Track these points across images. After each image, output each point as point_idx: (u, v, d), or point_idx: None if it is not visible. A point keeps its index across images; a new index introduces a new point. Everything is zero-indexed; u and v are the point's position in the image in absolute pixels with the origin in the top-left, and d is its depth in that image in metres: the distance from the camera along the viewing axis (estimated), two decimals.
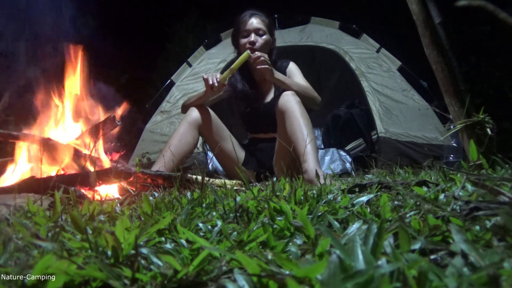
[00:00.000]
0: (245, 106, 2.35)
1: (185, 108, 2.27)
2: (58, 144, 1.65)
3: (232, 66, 2.04)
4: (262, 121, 2.33)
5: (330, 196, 0.85)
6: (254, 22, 2.24)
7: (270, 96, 2.32)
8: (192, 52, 3.73)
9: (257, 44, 2.21)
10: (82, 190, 1.30)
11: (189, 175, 1.57)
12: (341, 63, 3.48)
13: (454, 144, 2.81)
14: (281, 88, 2.23)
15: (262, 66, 2.01)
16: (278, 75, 2.08)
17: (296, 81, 2.19)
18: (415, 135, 2.99)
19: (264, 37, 2.23)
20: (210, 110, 2.22)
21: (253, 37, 2.21)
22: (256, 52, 2.05)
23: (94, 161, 1.59)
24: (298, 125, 1.88)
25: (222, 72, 2.14)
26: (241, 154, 2.31)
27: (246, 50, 2.21)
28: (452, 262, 0.36)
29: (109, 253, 0.46)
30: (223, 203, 0.78)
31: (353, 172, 2.63)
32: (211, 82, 2.00)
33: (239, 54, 2.35)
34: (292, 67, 2.30)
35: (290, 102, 1.94)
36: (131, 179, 1.44)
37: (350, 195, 0.87)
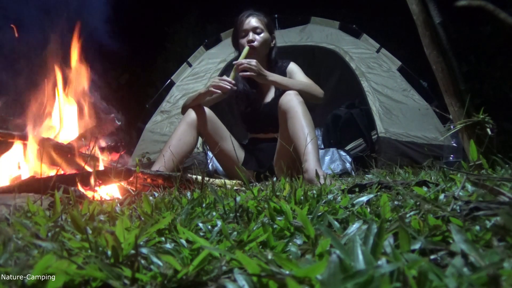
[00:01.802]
0: (245, 106, 2.35)
1: (184, 110, 2.27)
2: (58, 144, 1.65)
3: (236, 63, 2.05)
4: (262, 121, 2.33)
5: (330, 196, 0.85)
6: (252, 21, 2.25)
7: (271, 96, 2.33)
8: (192, 52, 3.72)
9: (256, 42, 2.21)
10: (82, 190, 1.30)
11: (189, 175, 1.57)
12: (341, 63, 3.48)
13: (454, 144, 2.81)
14: (281, 88, 2.23)
15: (245, 74, 1.99)
16: (273, 76, 2.07)
17: (297, 79, 2.19)
18: (415, 135, 2.99)
19: (262, 35, 2.24)
20: (209, 110, 2.22)
21: (251, 35, 2.22)
22: (241, 61, 2.03)
23: (94, 161, 1.59)
24: (300, 124, 1.88)
25: (221, 74, 2.14)
26: (241, 154, 2.31)
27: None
28: (452, 262, 0.36)
29: (109, 253, 0.46)
30: (223, 203, 0.78)
31: (353, 172, 2.63)
32: (229, 87, 2.00)
33: (239, 54, 2.35)
34: (293, 66, 2.31)
35: (292, 101, 1.94)
36: (131, 179, 1.44)
37: (350, 195, 0.87)
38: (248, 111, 2.35)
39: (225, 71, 2.68)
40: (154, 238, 0.58)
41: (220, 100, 2.38)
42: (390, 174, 1.52)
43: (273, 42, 2.34)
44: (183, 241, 0.53)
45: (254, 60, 2.03)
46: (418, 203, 0.68)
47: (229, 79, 2.02)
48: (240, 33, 2.27)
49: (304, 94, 2.03)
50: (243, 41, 2.24)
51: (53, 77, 1.88)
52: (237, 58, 2.38)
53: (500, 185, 0.77)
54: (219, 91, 2.04)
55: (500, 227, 0.44)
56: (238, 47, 2.33)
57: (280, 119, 2.05)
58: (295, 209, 0.71)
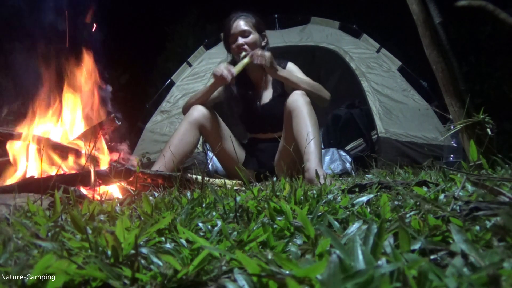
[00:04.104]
0: (242, 108, 2.35)
1: (187, 108, 2.26)
2: (58, 144, 1.65)
3: (238, 67, 2.05)
4: (260, 121, 2.33)
5: (330, 196, 0.85)
6: (239, 24, 2.24)
7: (268, 97, 2.32)
8: (192, 52, 3.72)
9: (245, 46, 2.20)
10: (82, 190, 1.30)
11: (189, 175, 1.57)
12: (341, 63, 3.48)
13: (454, 144, 2.81)
14: (280, 89, 2.22)
15: (260, 62, 2.00)
16: (282, 72, 2.07)
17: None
18: (415, 135, 2.99)
19: (250, 37, 2.23)
20: (211, 109, 2.22)
21: (240, 40, 2.21)
22: (256, 51, 2.05)
23: (94, 161, 1.59)
24: (304, 124, 1.88)
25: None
26: (241, 154, 2.31)
27: (237, 54, 2.22)
28: (452, 262, 0.36)
29: (109, 253, 0.46)
30: (223, 203, 0.78)
31: (353, 172, 2.62)
32: (229, 78, 1.99)
33: (232, 57, 2.35)
34: (291, 66, 2.29)
35: (298, 101, 1.94)
36: (131, 179, 1.44)
37: (350, 195, 0.87)
38: (245, 113, 2.35)
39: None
40: (154, 238, 0.58)
41: (220, 100, 2.38)
42: (390, 174, 1.52)
43: (265, 41, 2.32)
44: (183, 241, 0.53)
45: (269, 52, 2.05)
46: (418, 203, 0.68)
47: (233, 70, 2.02)
48: (230, 38, 2.27)
49: (311, 95, 2.02)
50: (233, 46, 2.24)
51: (54, 77, 1.88)
52: (234, 62, 2.38)
53: (500, 185, 0.77)
54: (218, 82, 2.05)
55: (500, 227, 0.44)
56: (230, 51, 2.33)
57: (285, 119, 2.05)
58: (295, 209, 0.71)
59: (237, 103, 2.36)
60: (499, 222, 0.47)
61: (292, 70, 2.27)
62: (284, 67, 2.28)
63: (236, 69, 2.03)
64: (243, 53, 2.13)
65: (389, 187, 0.97)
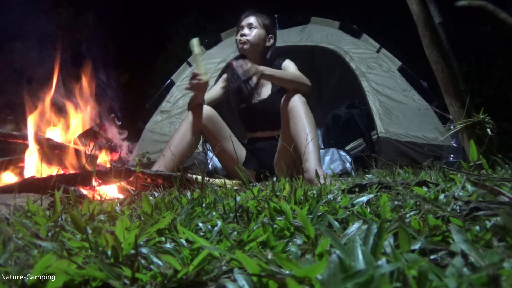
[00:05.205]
0: (240, 102, 2.36)
1: (188, 107, 2.29)
2: (58, 144, 1.65)
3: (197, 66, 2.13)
4: (259, 119, 2.33)
5: (330, 196, 0.85)
6: (248, 18, 2.32)
7: (267, 93, 2.33)
8: (192, 52, 3.72)
9: (248, 37, 2.24)
10: (82, 190, 1.30)
11: (189, 175, 1.57)
12: (341, 63, 3.48)
13: (454, 144, 2.81)
14: (276, 83, 2.23)
15: (240, 70, 1.92)
16: (267, 70, 1.99)
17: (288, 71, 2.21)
18: (415, 135, 2.98)
19: (255, 31, 2.28)
20: (212, 109, 2.22)
21: (244, 30, 2.29)
22: (236, 65, 1.97)
23: (94, 160, 1.59)
24: (302, 124, 1.88)
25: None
26: (242, 154, 2.31)
27: (240, 44, 2.28)
28: (452, 262, 0.36)
29: (109, 252, 0.46)
30: (223, 203, 0.78)
31: (353, 172, 2.62)
32: (197, 81, 2.01)
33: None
34: (287, 62, 2.33)
35: (295, 101, 1.95)
36: (131, 179, 1.44)
37: (350, 195, 0.87)
38: (243, 107, 2.35)
39: (224, 70, 2.66)
40: (154, 238, 0.58)
41: (221, 100, 2.39)
42: (390, 174, 1.52)
43: (270, 42, 2.34)
44: (183, 241, 0.53)
45: (246, 60, 1.96)
46: (418, 203, 0.68)
47: (196, 71, 2.03)
48: (238, 30, 2.34)
49: (295, 85, 2.03)
50: (237, 36, 2.30)
51: (54, 76, 1.88)
52: (239, 56, 2.39)
53: (500, 185, 0.77)
54: (197, 91, 2.08)
55: (500, 227, 0.44)
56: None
57: (282, 119, 2.05)
58: (295, 209, 0.71)
59: (235, 98, 2.37)
60: (499, 222, 0.47)
61: (287, 65, 2.29)
62: (281, 64, 2.30)
63: (198, 68, 2.09)
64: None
65: (389, 187, 0.97)
